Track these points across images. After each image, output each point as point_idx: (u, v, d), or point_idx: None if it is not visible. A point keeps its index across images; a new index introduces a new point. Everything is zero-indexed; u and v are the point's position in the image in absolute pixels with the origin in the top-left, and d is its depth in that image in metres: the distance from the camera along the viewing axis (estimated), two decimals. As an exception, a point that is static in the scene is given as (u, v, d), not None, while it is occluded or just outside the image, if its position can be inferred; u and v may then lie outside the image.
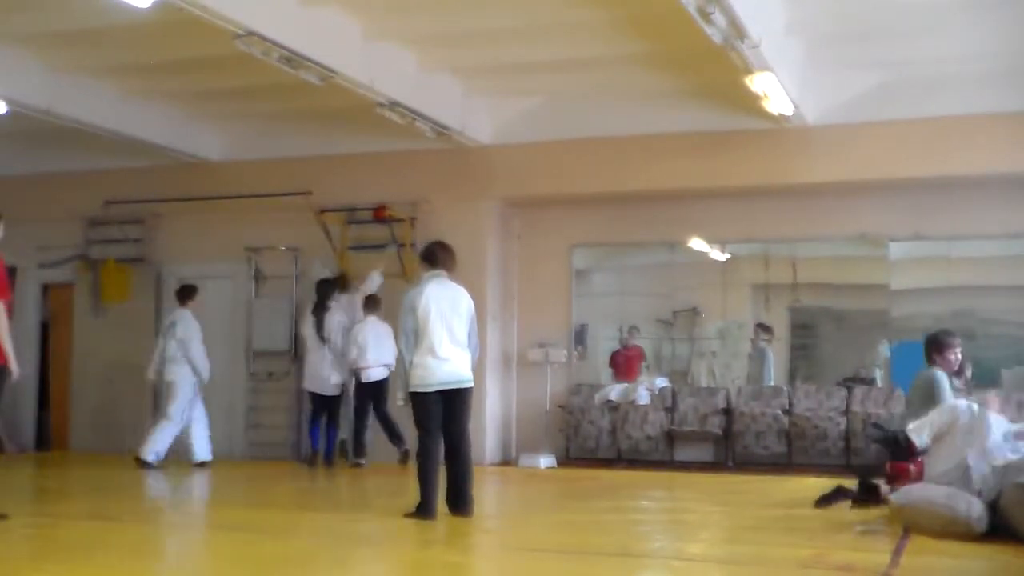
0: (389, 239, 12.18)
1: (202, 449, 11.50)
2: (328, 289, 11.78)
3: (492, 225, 12.47)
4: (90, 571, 5.89)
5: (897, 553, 6.23)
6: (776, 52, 9.29)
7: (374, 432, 11.50)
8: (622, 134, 11.76)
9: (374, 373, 11.16)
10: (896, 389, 11.38)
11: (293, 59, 9.03)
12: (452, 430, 7.55)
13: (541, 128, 11.99)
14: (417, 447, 7.79)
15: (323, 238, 12.48)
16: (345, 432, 11.86)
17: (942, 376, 8.17)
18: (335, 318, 11.65)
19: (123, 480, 10.76)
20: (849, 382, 11.89)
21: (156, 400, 13.16)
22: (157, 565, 6.21)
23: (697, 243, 12.58)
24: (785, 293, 12.67)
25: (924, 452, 7.53)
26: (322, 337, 11.60)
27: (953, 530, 6.60)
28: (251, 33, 8.47)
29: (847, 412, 11.44)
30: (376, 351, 11.08)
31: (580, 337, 12.85)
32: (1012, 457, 6.88)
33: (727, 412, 11.90)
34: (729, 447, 11.86)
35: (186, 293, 11.63)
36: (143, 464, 11.17)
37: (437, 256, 7.75)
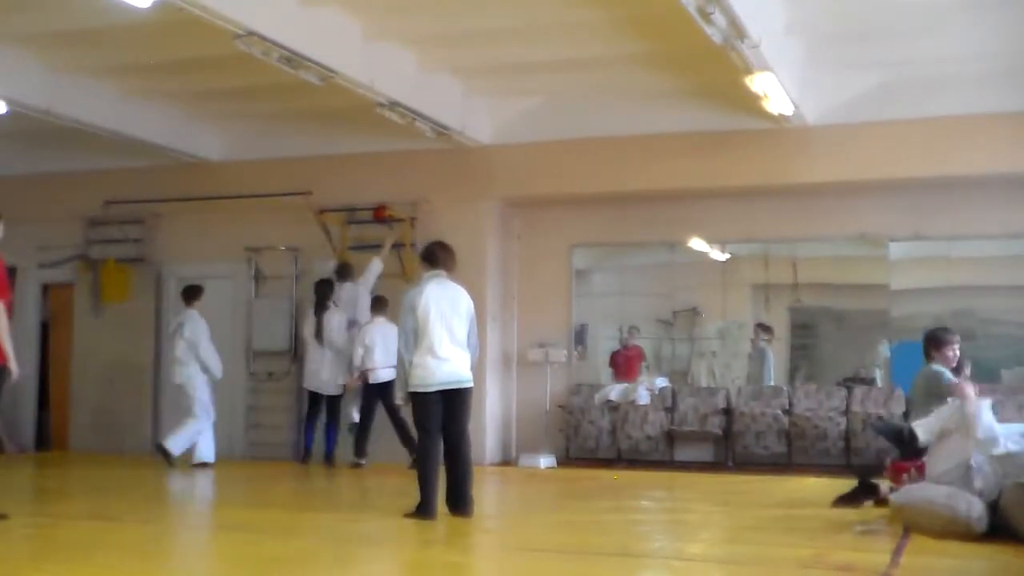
0: (386, 237, 12.15)
1: (206, 450, 11.47)
2: (326, 289, 11.78)
3: (492, 225, 12.47)
4: (90, 571, 5.89)
5: (897, 553, 6.23)
6: (776, 52, 9.29)
7: (376, 432, 11.51)
8: (622, 134, 11.76)
9: (382, 374, 11.14)
10: (896, 389, 11.39)
11: (293, 59, 9.03)
12: (452, 430, 7.55)
13: (541, 128, 11.99)
14: (417, 447, 7.81)
15: (323, 238, 12.48)
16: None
17: (942, 369, 8.18)
18: (334, 318, 11.65)
19: (123, 480, 10.77)
20: (849, 382, 11.89)
21: (156, 399, 13.24)
22: (157, 565, 6.20)
23: (697, 243, 12.58)
24: (785, 293, 12.67)
25: (927, 448, 7.54)
26: (321, 337, 11.61)
27: (953, 530, 6.60)
28: (251, 33, 8.47)
29: (847, 412, 11.44)
30: (384, 352, 11.05)
31: (580, 337, 12.85)
32: (1012, 448, 6.88)
33: (727, 412, 11.90)
34: (729, 447, 11.86)
35: (192, 293, 11.62)
36: (165, 454, 11.15)
37: (437, 256, 7.75)
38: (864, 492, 7.98)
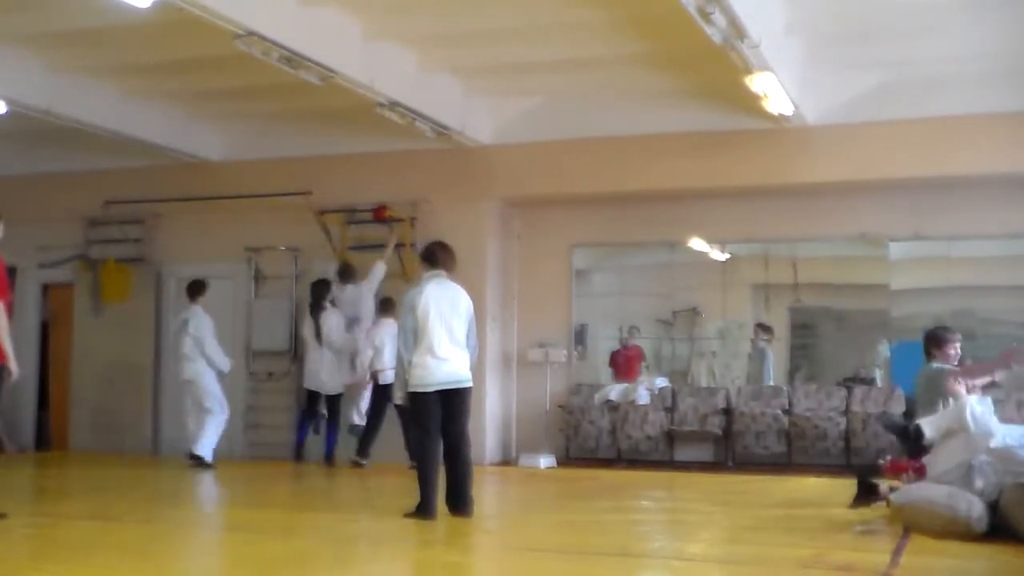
0: (388, 239, 12.14)
1: (207, 444, 11.46)
2: (323, 290, 11.78)
3: (492, 225, 12.46)
4: (90, 571, 5.89)
5: (897, 553, 6.23)
6: (776, 52, 9.29)
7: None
8: (622, 134, 11.76)
9: (391, 375, 11.12)
10: (896, 389, 11.40)
11: (293, 59, 9.03)
12: (451, 430, 7.55)
13: (541, 128, 11.99)
14: (416, 447, 7.80)
15: (323, 238, 12.48)
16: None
17: (944, 367, 8.18)
18: (331, 318, 11.64)
19: (123, 480, 10.77)
20: (849, 382, 11.90)
21: (156, 399, 13.25)
22: (157, 565, 6.20)
23: (697, 243, 12.58)
24: (785, 293, 12.67)
25: (929, 447, 7.54)
26: (319, 338, 11.61)
27: (953, 530, 6.60)
28: (251, 33, 8.47)
29: (847, 412, 11.44)
30: (392, 353, 11.02)
31: (580, 337, 12.85)
32: (1010, 442, 6.87)
33: (727, 412, 11.90)
34: (729, 447, 11.86)
35: (196, 289, 11.61)
36: (200, 461, 11.16)
37: (437, 256, 7.75)
38: (865, 492, 7.97)
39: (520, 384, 12.62)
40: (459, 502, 7.54)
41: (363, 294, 11.72)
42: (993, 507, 6.65)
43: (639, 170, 11.77)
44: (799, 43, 10.23)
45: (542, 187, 12.21)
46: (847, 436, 11.32)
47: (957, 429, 7.16)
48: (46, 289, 14.03)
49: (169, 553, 6.65)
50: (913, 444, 8.08)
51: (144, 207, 13.31)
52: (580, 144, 11.91)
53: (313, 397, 11.85)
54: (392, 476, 10.69)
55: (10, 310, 7.64)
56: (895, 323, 11.86)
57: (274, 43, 8.70)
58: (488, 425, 12.07)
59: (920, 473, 7.52)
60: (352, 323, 11.73)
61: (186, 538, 7.36)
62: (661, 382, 12.37)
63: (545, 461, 11.87)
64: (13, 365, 7.50)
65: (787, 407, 11.73)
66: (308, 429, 11.82)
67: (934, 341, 8.35)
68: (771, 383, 12.18)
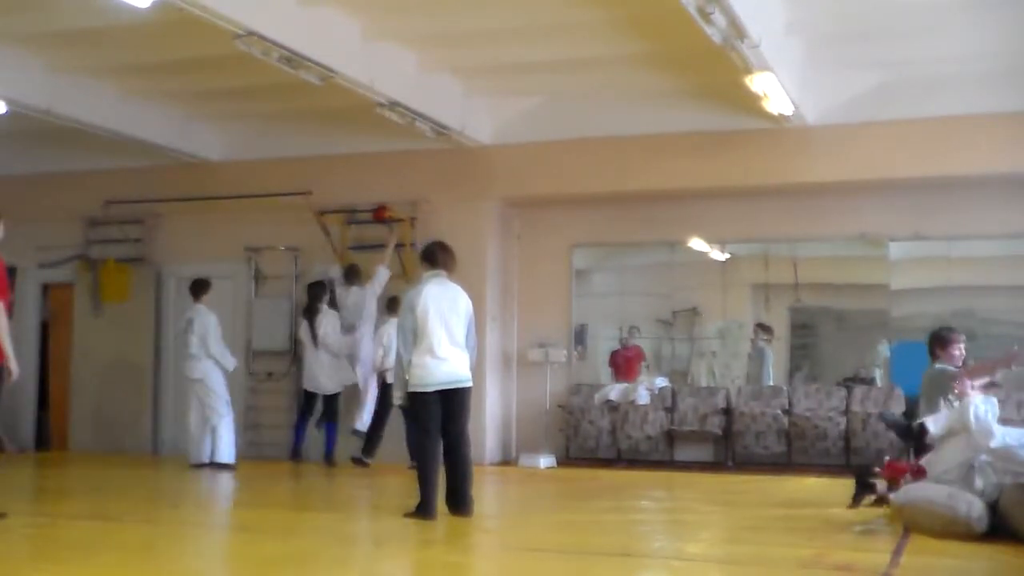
0: (388, 239, 12.14)
1: (199, 451, 11.45)
2: (319, 292, 11.80)
3: (492, 225, 12.46)
4: (90, 571, 5.89)
5: (897, 553, 6.24)
6: (776, 52, 9.29)
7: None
8: (622, 134, 11.76)
9: None
10: (896, 389, 11.40)
11: (293, 59, 9.03)
12: (451, 430, 7.55)
13: (541, 128, 11.99)
14: (416, 447, 7.80)
15: (323, 238, 12.48)
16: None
17: (947, 367, 8.18)
18: (327, 320, 11.65)
19: (123, 480, 10.77)
20: (849, 382, 11.90)
21: (156, 399, 13.25)
22: (157, 565, 6.20)
23: (697, 243, 12.58)
24: (785, 293, 12.67)
25: (931, 446, 7.55)
26: (314, 340, 11.62)
27: (953, 530, 6.60)
28: (251, 33, 8.46)
29: (847, 412, 11.44)
30: None
31: (580, 337, 12.85)
32: (1010, 442, 6.87)
33: (727, 412, 11.90)
34: (729, 447, 11.86)
35: (199, 288, 11.58)
36: (224, 467, 11.17)
37: (437, 256, 7.76)
38: (861, 490, 7.98)
39: (520, 384, 12.62)
40: (459, 502, 7.54)
41: (367, 299, 11.71)
42: (993, 507, 6.65)
43: (639, 170, 11.77)
44: (799, 43, 10.23)
45: (542, 187, 12.21)
46: (847, 436, 11.32)
47: (959, 429, 7.15)
48: (46, 289, 14.03)
49: (169, 553, 6.65)
50: (916, 442, 8.09)
51: (144, 207, 13.31)
52: (580, 144, 11.91)
53: (311, 398, 11.85)
54: (392, 476, 10.70)
55: (10, 310, 7.64)
56: (895, 323, 11.86)
57: (274, 43, 8.70)
58: (488, 425, 12.07)
59: (918, 475, 7.51)
60: (351, 325, 11.73)
61: (186, 538, 7.36)
62: (661, 382, 12.37)
63: (545, 461, 11.87)
64: (13, 365, 7.50)
65: (787, 407, 11.73)
66: (306, 430, 11.82)
67: (939, 341, 8.34)
68: (771, 383, 12.18)
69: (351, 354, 11.70)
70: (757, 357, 12.47)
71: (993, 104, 10.55)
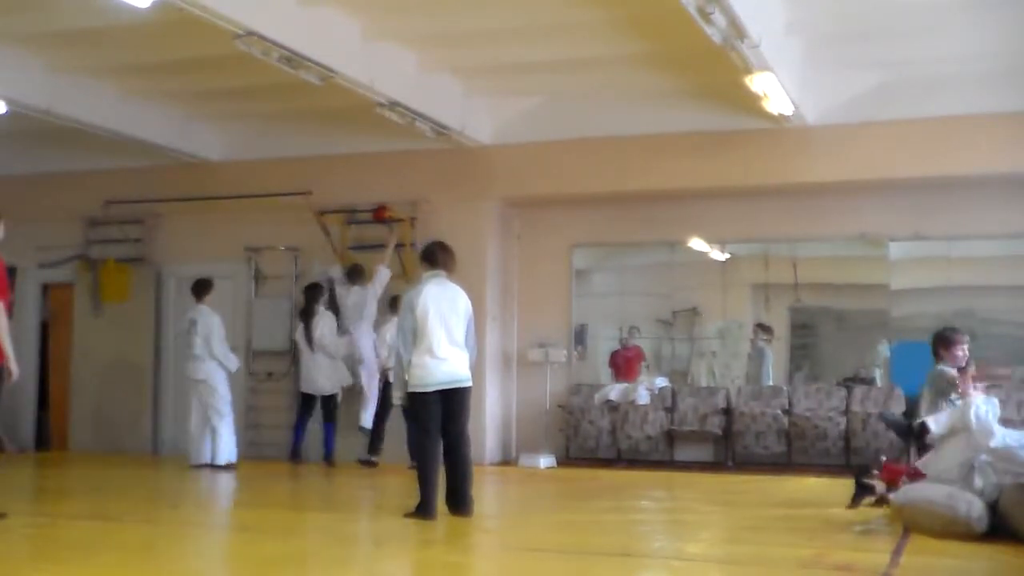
0: (388, 239, 12.13)
1: (199, 452, 11.45)
2: (316, 294, 11.81)
3: (492, 225, 12.46)
4: (90, 571, 5.89)
5: (897, 553, 6.24)
6: (776, 52, 9.29)
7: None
8: (622, 134, 11.76)
9: None
10: (896, 389, 11.40)
11: (293, 59, 9.03)
12: (451, 430, 7.55)
13: (541, 128, 11.99)
14: (416, 447, 7.80)
15: (323, 238, 12.48)
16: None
17: (947, 368, 8.18)
18: (324, 322, 11.65)
19: (123, 480, 10.77)
20: (849, 382, 11.90)
21: (156, 399, 13.25)
22: (157, 565, 6.20)
23: (697, 243, 12.58)
24: (785, 293, 12.67)
25: (932, 444, 7.55)
26: (310, 342, 11.63)
27: (953, 530, 6.60)
28: (251, 33, 8.46)
29: (847, 412, 11.44)
30: None
31: (580, 337, 12.85)
32: (1010, 442, 6.86)
33: (727, 412, 11.90)
34: (729, 447, 11.86)
35: (202, 288, 11.55)
36: (224, 467, 11.16)
37: (437, 256, 7.76)
38: (860, 491, 7.98)
39: (520, 384, 12.62)
40: (459, 502, 7.54)
41: (368, 299, 11.71)
42: (993, 507, 6.65)
43: (639, 170, 11.77)
44: (799, 43, 10.23)
45: (542, 187, 12.21)
46: (847, 436, 11.32)
47: (960, 428, 7.16)
48: (46, 289, 14.03)
49: (169, 553, 6.65)
50: (916, 441, 8.08)
51: (144, 207, 13.31)
52: (580, 144, 11.91)
53: (308, 400, 11.86)
54: (392, 476, 10.70)
55: (10, 310, 7.64)
56: (895, 323, 11.86)
57: (274, 43, 8.70)
58: (488, 425, 12.07)
59: (914, 478, 7.51)
60: (348, 326, 11.73)
61: (186, 538, 7.36)
62: (661, 382, 12.37)
63: (545, 461, 11.87)
64: (13, 365, 7.51)
65: (787, 407, 11.73)
66: (304, 431, 11.83)
67: (942, 342, 8.34)
68: (770, 383, 12.18)
69: (349, 355, 11.70)
70: (757, 357, 12.48)
71: (993, 104, 10.55)
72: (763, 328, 12.44)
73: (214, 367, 11.35)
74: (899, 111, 10.82)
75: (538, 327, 12.58)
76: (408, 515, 7.47)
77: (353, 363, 11.75)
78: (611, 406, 12.16)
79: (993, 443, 6.86)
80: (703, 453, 12.00)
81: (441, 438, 7.55)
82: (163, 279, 13.39)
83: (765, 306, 12.69)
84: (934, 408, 7.85)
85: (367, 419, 11.53)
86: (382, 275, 11.75)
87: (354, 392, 11.87)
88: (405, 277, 11.70)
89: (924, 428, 7.61)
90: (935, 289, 12.00)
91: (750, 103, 10.36)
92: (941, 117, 10.72)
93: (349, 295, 11.82)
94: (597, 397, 12.25)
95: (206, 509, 9.43)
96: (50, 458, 13.20)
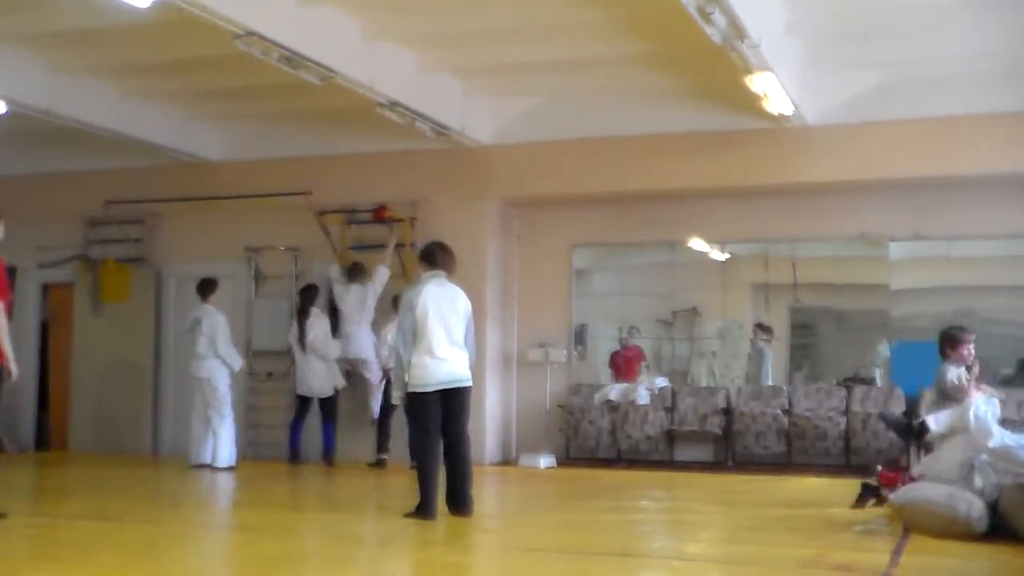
0: (387, 239, 12.13)
1: (200, 452, 11.45)
2: (312, 295, 11.84)
3: (492, 225, 12.46)
4: (90, 571, 5.89)
5: (897, 553, 6.24)
6: (776, 52, 9.29)
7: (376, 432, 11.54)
8: (622, 134, 11.76)
9: None
10: (896, 389, 11.40)
11: (293, 59, 9.03)
12: (451, 430, 7.56)
13: (541, 128, 11.99)
14: (416, 447, 7.80)
15: (323, 238, 12.48)
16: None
17: (948, 368, 8.17)
18: (318, 324, 11.66)
19: (123, 480, 10.77)
20: (849, 382, 11.90)
21: (156, 399, 13.25)
22: (157, 565, 6.20)
23: (697, 243, 12.58)
24: (785, 293, 12.67)
25: (932, 444, 7.55)
26: (303, 343, 11.64)
27: (953, 530, 6.60)
28: (251, 33, 8.46)
29: (847, 412, 11.44)
30: None
31: (580, 337, 12.85)
32: (1009, 442, 6.86)
33: (727, 412, 11.90)
34: (729, 447, 11.86)
35: (207, 287, 11.54)
36: (223, 469, 11.15)
37: (436, 257, 7.77)
38: (867, 493, 7.98)
39: (520, 384, 12.62)
40: (459, 502, 7.54)
41: (367, 296, 11.72)
42: (993, 507, 6.65)
43: (639, 170, 11.77)
44: (799, 43, 10.23)
45: (542, 187, 12.21)
46: (847, 436, 11.32)
47: (960, 428, 7.16)
48: (46, 289, 14.03)
49: (169, 553, 6.65)
50: (916, 440, 8.08)
51: (144, 207, 13.31)
52: (580, 144, 11.91)
53: (304, 401, 11.87)
54: (392, 476, 10.71)
55: (10, 310, 7.64)
56: (895, 323, 11.86)
57: (274, 43, 8.70)
58: (488, 425, 12.07)
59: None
60: (346, 325, 11.73)
61: (186, 538, 7.36)
62: (661, 382, 12.37)
63: (545, 461, 11.87)
64: (12, 365, 7.51)
65: (787, 407, 11.73)
66: (302, 433, 11.85)
67: (949, 340, 8.33)
68: (769, 383, 12.18)
69: (342, 356, 11.70)
70: (756, 357, 12.47)
71: (993, 104, 10.55)
72: (762, 328, 12.44)
73: (216, 365, 11.34)
74: (899, 111, 10.82)
75: (538, 327, 12.58)
76: (408, 515, 7.47)
77: (346, 364, 11.76)
78: (611, 406, 12.16)
79: (992, 443, 6.86)
80: (703, 453, 12.00)
81: (441, 438, 7.55)
82: (163, 279, 13.39)
83: (765, 306, 12.69)
84: (935, 407, 7.85)
85: (375, 408, 11.52)
86: (381, 274, 11.75)
87: (354, 391, 11.87)
88: (405, 277, 11.70)
89: (924, 427, 7.61)
90: (935, 289, 12.00)
91: (750, 103, 10.36)
92: (941, 117, 10.72)
93: (348, 293, 11.82)
94: (597, 397, 12.25)
95: (206, 509, 9.44)
96: (50, 458, 13.20)
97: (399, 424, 10.73)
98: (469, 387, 7.66)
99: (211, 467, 11.21)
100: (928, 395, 8.36)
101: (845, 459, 11.28)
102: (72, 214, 13.49)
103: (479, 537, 7.27)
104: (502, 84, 11.62)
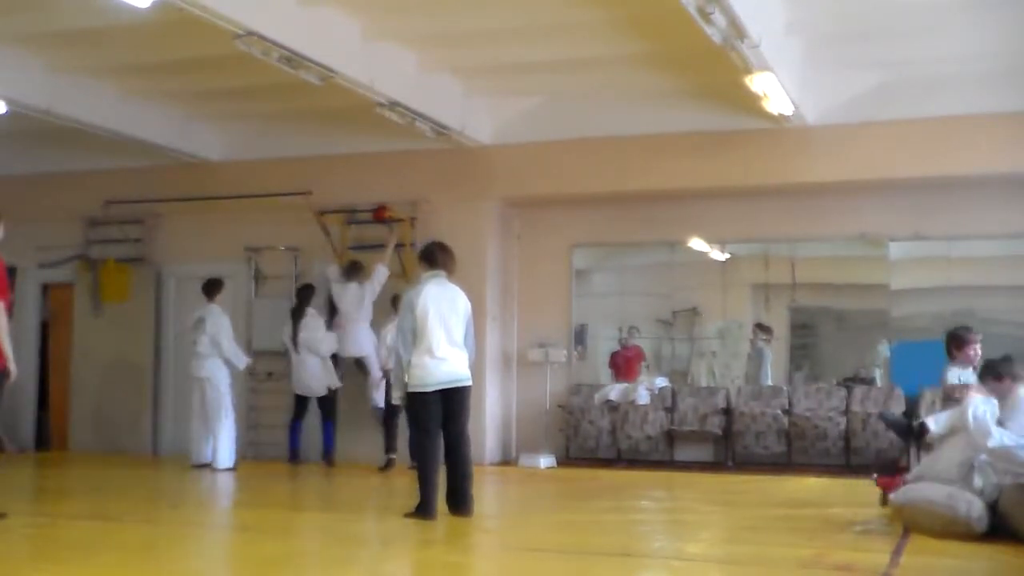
0: (387, 239, 12.13)
1: (200, 451, 11.46)
2: (308, 295, 11.85)
3: (492, 225, 12.46)
4: (90, 571, 5.89)
5: (897, 553, 6.24)
6: (776, 52, 9.29)
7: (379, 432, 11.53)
8: (622, 134, 11.76)
9: None
10: (896, 389, 11.40)
11: (293, 59, 9.03)
12: (451, 430, 7.56)
13: (541, 128, 11.99)
14: (416, 447, 7.80)
15: (323, 238, 12.48)
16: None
17: (948, 369, 8.17)
18: (312, 324, 11.67)
19: (123, 480, 10.77)
20: (849, 382, 11.90)
21: (156, 399, 13.25)
22: (157, 565, 6.21)
23: (697, 243, 12.58)
24: (785, 293, 12.67)
25: (932, 444, 7.55)
26: (295, 343, 11.65)
27: (953, 530, 6.60)
28: (251, 33, 8.46)
29: (847, 412, 11.44)
30: None
31: (580, 337, 12.85)
32: (1008, 443, 6.86)
33: (727, 412, 11.90)
34: (729, 447, 11.86)
35: (213, 287, 11.55)
36: (227, 470, 11.15)
37: (436, 257, 7.77)
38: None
39: (520, 384, 12.62)
40: (459, 502, 7.54)
41: (365, 295, 11.72)
42: (993, 507, 6.65)
43: (639, 170, 11.77)
44: (799, 43, 10.23)
45: (542, 187, 12.21)
46: (847, 436, 11.32)
47: (959, 428, 7.16)
48: (46, 289, 14.03)
49: (169, 553, 6.65)
50: (916, 440, 8.08)
51: (144, 207, 13.31)
52: (580, 144, 11.91)
53: (301, 401, 11.88)
54: (393, 476, 10.71)
55: (10, 310, 7.64)
56: (895, 323, 11.86)
57: (274, 43, 8.70)
58: (488, 425, 12.07)
59: None
60: (343, 323, 11.74)
61: (186, 538, 7.36)
62: (661, 382, 12.37)
63: (545, 461, 11.87)
64: (12, 366, 7.51)
65: (787, 407, 11.73)
66: (300, 433, 11.86)
67: (955, 341, 8.32)
68: (769, 383, 12.18)
69: (337, 352, 11.70)
70: (756, 357, 12.48)
71: (993, 104, 10.54)
72: (762, 328, 12.44)
73: (217, 365, 11.35)
74: (899, 111, 10.82)
75: (538, 327, 12.58)
76: (408, 515, 7.47)
77: (348, 362, 11.75)
78: (611, 406, 12.16)
79: (990, 444, 6.86)
80: (703, 453, 12.00)
81: (441, 438, 7.55)
82: (163, 279, 13.39)
83: (765, 306, 12.69)
84: (935, 408, 7.85)
85: (378, 399, 11.49)
86: (380, 273, 11.75)
87: (354, 391, 11.87)
88: (405, 277, 11.70)
89: (924, 428, 7.61)
90: (935, 289, 12.00)
91: (750, 103, 10.36)
92: (941, 117, 10.72)
93: (346, 292, 11.82)
94: (597, 397, 12.25)
95: (206, 509, 9.44)
96: (50, 458, 13.20)
97: (404, 423, 10.72)
98: (469, 387, 7.66)
99: (211, 467, 11.21)
100: (928, 395, 8.35)
101: (845, 459, 11.28)
102: (72, 214, 13.49)
103: (479, 537, 7.28)
104: (502, 84, 11.62)
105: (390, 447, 11.35)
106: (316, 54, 9.16)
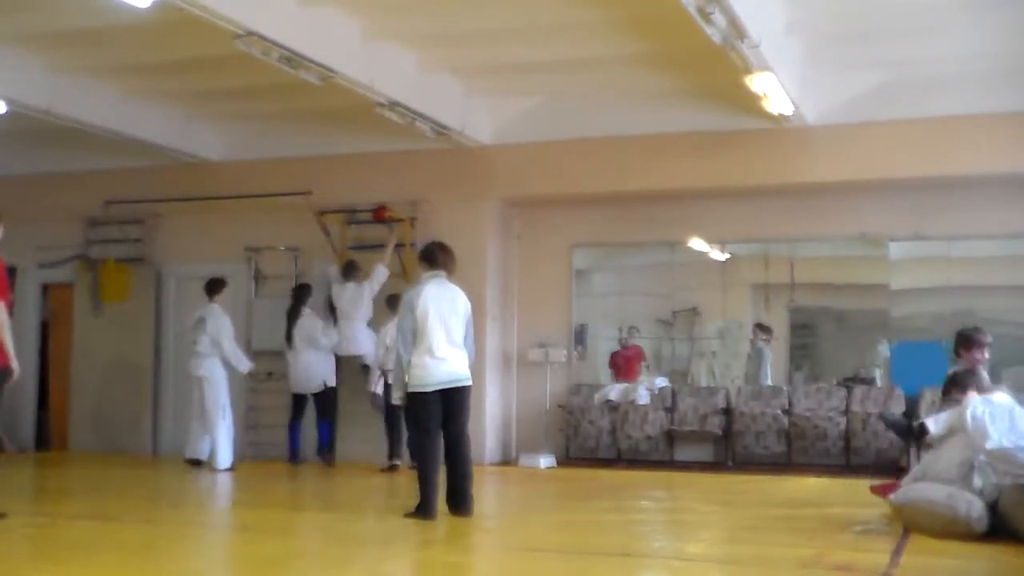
0: (387, 239, 12.14)
1: (195, 447, 11.47)
2: (304, 295, 11.87)
3: (492, 225, 12.46)
4: (90, 571, 5.89)
5: (897, 553, 6.24)
6: (776, 52, 9.29)
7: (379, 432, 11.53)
8: (622, 134, 11.76)
9: None
10: (896, 389, 11.40)
11: (293, 59, 9.03)
12: (451, 430, 7.56)
13: (541, 128, 11.99)
14: (416, 447, 7.80)
15: (323, 238, 12.48)
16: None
17: (951, 370, 8.17)
18: (307, 323, 11.70)
19: (123, 480, 10.77)
20: (849, 382, 11.90)
21: (156, 399, 13.25)
22: (157, 565, 6.20)
23: (697, 243, 12.58)
24: (785, 293, 12.67)
25: (932, 444, 7.55)
26: (290, 342, 11.66)
27: (953, 530, 6.60)
28: (251, 33, 8.46)
29: (847, 412, 11.44)
30: None
31: (580, 337, 12.85)
32: (1007, 444, 6.86)
33: (727, 412, 11.90)
34: (729, 447, 11.86)
35: (214, 287, 11.53)
36: (226, 471, 11.13)
37: (436, 257, 7.77)
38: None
39: (520, 384, 12.62)
40: (459, 502, 7.54)
41: (364, 296, 11.72)
42: (993, 507, 6.65)
43: (639, 170, 11.77)
44: (799, 43, 10.23)
45: (542, 187, 12.21)
46: (847, 436, 11.32)
47: (959, 428, 7.16)
48: (46, 289, 14.03)
49: (169, 553, 6.65)
50: (916, 441, 8.08)
51: (144, 207, 13.31)
52: (580, 144, 11.91)
53: (299, 399, 11.88)
54: (393, 476, 10.71)
55: (10, 310, 7.64)
56: (895, 323, 11.86)
57: (274, 43, 8.70)
58: (488, 425, 12.07)
59: None
60: (342, 322, 11.74)
61: (186, 538, 7.36)
62: (661, 382, 12.37)
63: (545, 461, 11.87)
64: (14, 364, 7.51)
65: (787, 407, 11.73)
66: (300, 431, 11.86)
67: (964, 341, 8.30)
68: (768, 383, 12.18)
69: (335, 347, 11.70)
70: (756, 357, 12.48)
71: (993, 104, 10.55)
72: (762, 328, 12.44)
73: (215, 364, 11.34)
74: (899, 111, 10.82)
75: (538, 327, 12.58)
76: (408, 515, 7.47)
77: (339, 357, 11.78)
78: (611, 406, 12.16)
79: (988, 445, 6.86)
80: (703, 453, 12.00)
81: (441, 438, 7.55)
82: (163, 279, 13.39)
83: (765, 306, 12.69)
84: (935, 408, 7.85)
85: (375, 384, 11.46)
86: (380, 273, 11.76)
87: (352, 389, 11.88)
88: (405, 277, 11.70)
89: (923, 429, 7.61)
90: (935, 289, 12.00)
91: (750, 103, 10.36)
92: (941, 117, 10.72)
93: (345, 291, 11.82)
94: (597, 397, 12.25)
95: (206, 509, 9.44)
96: (50, 458, 13.20)
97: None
98: (469, 387, 7.66)
99: (209, 467, 11.20)
100: (928, 395, 8.35)
101: (845, 459, 11.28)
102: (72, 214, 13.49)
103: (479, 537, 7.27)
104: (502, 84, 11.62)
105: (394, 452, 11.33)
106: (316, 54, 9.16)
